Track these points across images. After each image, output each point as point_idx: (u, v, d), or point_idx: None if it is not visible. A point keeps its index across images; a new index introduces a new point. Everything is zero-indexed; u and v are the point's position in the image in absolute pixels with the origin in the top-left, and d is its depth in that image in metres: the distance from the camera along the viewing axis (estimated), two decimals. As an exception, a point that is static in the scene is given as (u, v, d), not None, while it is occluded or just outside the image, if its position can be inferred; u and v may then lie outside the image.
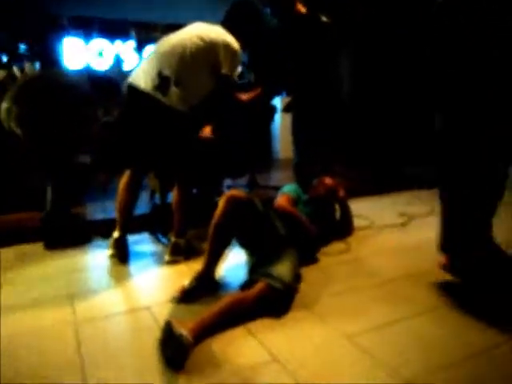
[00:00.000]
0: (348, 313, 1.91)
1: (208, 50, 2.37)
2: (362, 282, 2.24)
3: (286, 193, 2.59)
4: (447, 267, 2.09)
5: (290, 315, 1.87)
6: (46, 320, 1.88)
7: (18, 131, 2.66)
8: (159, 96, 2.33)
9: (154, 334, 1.67)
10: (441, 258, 2.13)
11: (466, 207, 1.97)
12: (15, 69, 3.39)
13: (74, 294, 2.12)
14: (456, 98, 1.91)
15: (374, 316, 1.87)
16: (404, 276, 2.30)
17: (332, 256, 2.60)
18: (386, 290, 2.14)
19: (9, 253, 2.73)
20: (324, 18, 2.96)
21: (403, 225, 3.21)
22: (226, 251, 2.15)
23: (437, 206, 3.61)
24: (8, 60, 3.57)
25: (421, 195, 4.06)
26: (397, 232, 3.08)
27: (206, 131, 3.09)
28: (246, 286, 1.92)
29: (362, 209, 3.52)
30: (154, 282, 2.34)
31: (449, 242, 2.07)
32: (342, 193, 2.88)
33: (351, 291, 2.12)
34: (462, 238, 2.02)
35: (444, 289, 2.13)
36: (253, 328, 1.76)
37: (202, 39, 2.37)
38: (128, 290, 2.25)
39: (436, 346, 1.65)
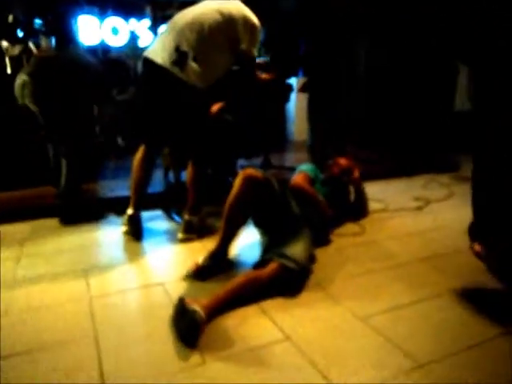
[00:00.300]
0: (362, 294, 1.89)
1: (227, 25, 2.31)
2: (376, 264, 2.21)
3: (303, 171, 2.55)
4: (480, 254, 2.03)
5: (304, 295, 1.86)
6: (61, 293, 1.91)
7: (33, 107, 2.66)
8: (176, 71, 2.28)
9: (167, 310, 1.68)
10: (474, 245, 2.07)
11: (500, 193, 1.89)
12: (31, 44, 3.38)
13: (88, 269, 2.14)
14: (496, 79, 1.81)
15: (388, 298, 1.85)
16: (419, 259, 2.27)
17: (346, 237, 2.57)
18: (401, 272, 2.12)
19: (25, 227, 2.77)
20: None
21: (419, 208, 3.15)
22: (241, 230, 2.13)
23: (455, 189, 3.57)
24: (24, 35, 3.55)
25: (438, 179, 3.98)
26: (412, 215, 3.02)
27: (214, 108, 3.05)
28: (259, 265, 1.90)
29: (378, 191, 3.47)
30: (167, 259, 2.35)
31: (480, 229, 2.00)
32: (356, 174, 2.82)
33: (365, 273, 2.10)
34: (493, 226, 1.95)
35: (460, 273, 2.09)
36: (266, 307, 1.76)
37: (221, 14, 2.31)
38: (141, 266, 2.26)
39: (448, 330, 1.63)
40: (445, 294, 1.90)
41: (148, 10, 5.99)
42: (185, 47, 2.28)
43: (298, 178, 2.45)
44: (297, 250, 1.93)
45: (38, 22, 4.03)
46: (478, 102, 1.93)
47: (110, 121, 3.12)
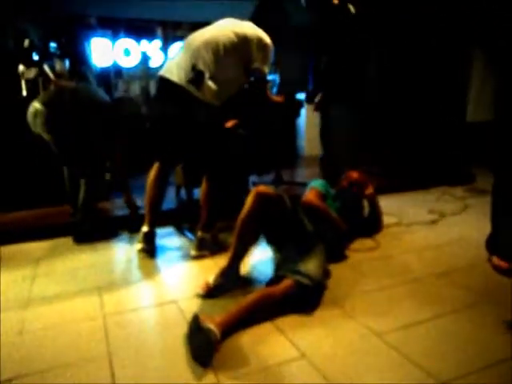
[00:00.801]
0: (378, 310, 1.86)
1: (242, 45, 2.37)
2: (392, 279, 2.18)
3: (314, 187, 2.54)
4: (499, 267, 1.98)
5: (319, 312, 1.84)
6: (76, 312, 1.91)
7: (46, 136, 2.71)
8: (192, 89, 2.32)
9: (181, 328, 1.67)
10: (493, 259, 2.03)
11: None
12: (46, 67, 3.46)
13: (102, 287, 2.14)
14: None
15: (405, 314, 1.82)
16: (435, 274, 2.23)
17: (361, 253, 2.54)
18: (417, 288, 2.08)
19: (41, 246, 2.80)
20: (352, 9, 2.91)
21: (434, 222, 3.11)
22: (252, 247, 2.11)
23: (470, 202, 3.53)
24: (39, 58, 3.65)
25: (452, 191, 3.94)
26: (427, 229, 2.99)
27: (228, 125, 3.08)
28: (272, 282, 1.89)
29: (391, 205, 3.44)
30: (180, 276, 2.34)
31: (500, 243, 1.96)
32: (370, 188, 2.82)
33: (381, 289, 2.07)
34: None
35: (478, 288, 2.05)
36: (281, 324, 1.73)
37: (235, 34, 2.36)
38: (155, 284, 2.26)
39: (469, 347, 1.58)
40: (463, 309, 1.85)
41: (159, 31, 6.12)
42: (201, 66, 2.32)
43: (309, 195, 2.44)
44: (311, 266, 1.91)
45: (52, 45, 4.14)
46: (501, 111, 1.90)
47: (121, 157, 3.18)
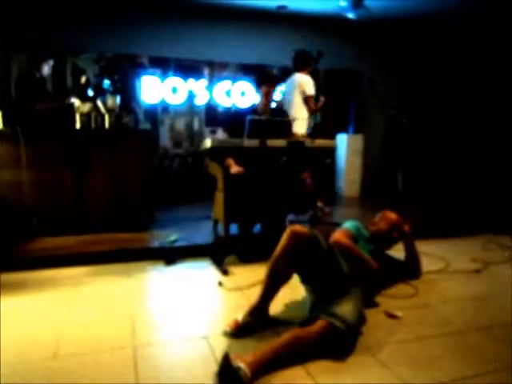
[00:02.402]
0: (414, 363, 1.76)
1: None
2: (429, 330, 2.08)
3: (344, 228, 2.49)
4: None
5: (352, 359, 1.77)
6: (108, 340, 1.93)
7: None
8: None
9: (210, 366, 1.65)
10: None
11: None
12: (99, 102, 3.69)
13: (135, 317, 2.18)
14: None
15: (444, 369, 1.72)
16: (476, 328, 2.11)
17: (398, 299, 2.45)
18: (456, 341, 1.97)
19: (82, 271, 2.89)
20: None
21: (477, 271, 2.97)
22: (283, 286, 2.07)
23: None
24: (94, 94, 3.89)
25: (498, 240, 3.77)
26: (470, 279, 2.85)
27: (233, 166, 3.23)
28: (306, 323, 1.84)
29: (432, 252, 3.32)
30: (213, 312, 2.34)
31: None
32: (406, 228, 2.68)
33: (417, 340, 1.97)
34: None
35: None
36: (312, 369, 1.68)
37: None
38: (187, 317, 2.25)
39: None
40: (507, 369, 1.73)
41: (205, 70, 6.40)
42: None
43: (337, 235, 2.36)
44: (347, 309, 1.86)
45: (106, 82, 4.42)
46: None
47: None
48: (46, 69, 4.03)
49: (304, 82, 4.28)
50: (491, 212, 4.36)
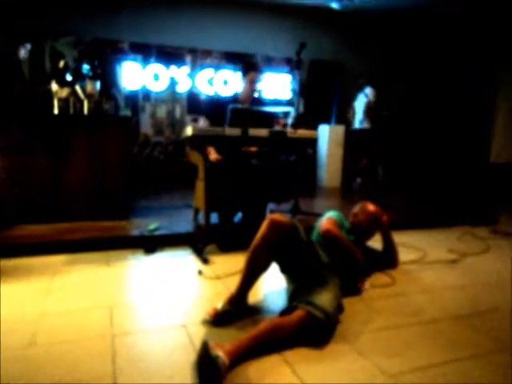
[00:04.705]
0: (391, 350, 1.80)
1: None
2: (406, 319, 2.12)
3: (331, 217, 2.52)
4: None
5: (329, 347, 1.79)
6: (86, 329, 1.91)
7: None
8: None
9: (188, 354, 1.65)
10: None
11: None
12: (77, 87, 3.60)
13: (113, 306, 2.16)
14: None
15: (419, 356, 1.75)
16: (453, 316, 2.16)
17: (376, 289, 2.48)
18: (433, 329, 2.01)
19: (61, 259, 2.84)
20: None
21: (454, 261, 3.04)
22: (261, 275, 2.07)
23: (492, 243, 3.44)
24: (72, 79, 3.80)
25: (475, 231, 3.85)
26: (446, 269, 2.91)
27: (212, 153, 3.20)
28: (285, 312, 1.86)
29: (409, 242, 3.38)
30: (192, 300, 2.33)
31: None
32: (385, 219, 2.72)
33: (395, 328, 2.01)
34: None
35: (500, 333, 1.97)
36: (290, 357, 1.70)
37: None
38: (165, 306, 2.24)
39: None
40: (483, 355, 1.77)
41: (188, 57, 6.31)
42: None
43: (328, 224, 2.41)
44: (325, 298, 1.88)
45: (85, 67, 4.32)
46: None
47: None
48: (23, 52, 3.92)
49: None
50: (468, 204, 4.46)
